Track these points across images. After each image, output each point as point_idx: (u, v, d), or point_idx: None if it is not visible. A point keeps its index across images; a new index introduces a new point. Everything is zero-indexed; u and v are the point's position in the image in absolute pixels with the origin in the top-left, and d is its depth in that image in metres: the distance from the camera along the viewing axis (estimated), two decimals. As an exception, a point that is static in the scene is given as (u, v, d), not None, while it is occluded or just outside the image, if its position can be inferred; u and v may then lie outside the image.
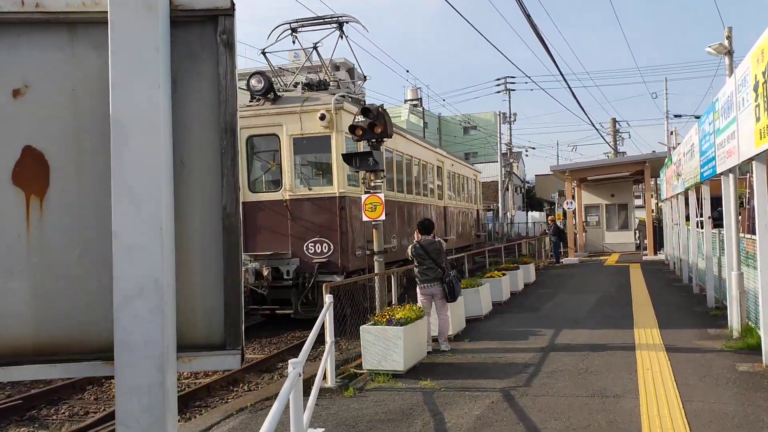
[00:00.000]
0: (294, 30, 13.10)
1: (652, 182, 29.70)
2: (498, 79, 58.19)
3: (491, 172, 59.52)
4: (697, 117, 46.60)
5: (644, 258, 24.51)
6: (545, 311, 12.12)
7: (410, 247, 8.67)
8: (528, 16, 14.82)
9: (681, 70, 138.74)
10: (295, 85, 13.67)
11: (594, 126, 38.27)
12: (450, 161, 20.94)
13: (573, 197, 27.02)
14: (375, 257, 8.92)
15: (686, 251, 16.29)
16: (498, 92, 57.76)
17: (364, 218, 8.77)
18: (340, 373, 7.53)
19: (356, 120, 8.64)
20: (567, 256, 26.07)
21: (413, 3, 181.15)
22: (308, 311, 11.11)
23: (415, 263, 8.67)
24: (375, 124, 8.50)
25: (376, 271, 8.83)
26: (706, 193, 11.86)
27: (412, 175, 16.15)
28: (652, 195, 29.58)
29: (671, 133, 48.39)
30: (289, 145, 11.76)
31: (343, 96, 12.10)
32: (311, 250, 11.57)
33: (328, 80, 13.64)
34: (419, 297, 8.64)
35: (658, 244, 26.20)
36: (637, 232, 33.12)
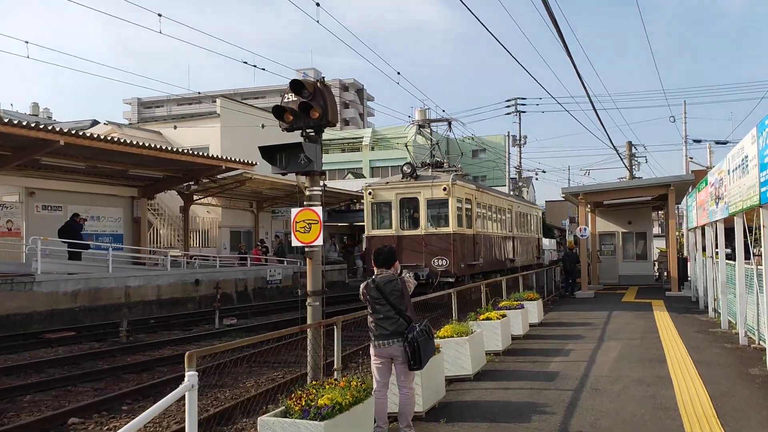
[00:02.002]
0: (421, 126, 22.48)
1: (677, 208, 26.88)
2: (508, 101, 55.75)
3: (499, 195, 56.81)
4: (720, 142, 43.86)
5: (667, 294, 21.65)
6: (554, 369, 9.33)
7: (362, 285, 6.00)
8: (561, 36, 12.33)
9: (701, 95, 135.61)
10: (422, 164, 21.27)
11: (614, 147, 35.73)
12: (517, 204, 28.06)
13: (587, 223, 24.22)
14: (308, 300, 6.23)
15: (725, 291, 13.51)
16: (508, 114, 55.31)
17: (294, 242, 6.14)
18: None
19: (285, 100, 6.05)
20: (579, 289, 23.25)
21: (422, 28, 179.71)
22: (434, 289, 16.46)
23: (368, 310, 5.99)
24: (310, 105, 5.90)
25: (309, 320, 6.14)
26: (766, 218, 9.12)
27: (492, 217, 23.10)
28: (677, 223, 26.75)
29: (690, 158, 45.64)
30: (425, 204, 18.75)
31: (456, 174, 19.79)
32: (436, 263, 18.21)
33: (442, 161, 22.03)
34: (372, 359, 5.93)
35: (682, 278, 23.36)
36: (656, 263, 30.31)
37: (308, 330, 5.74)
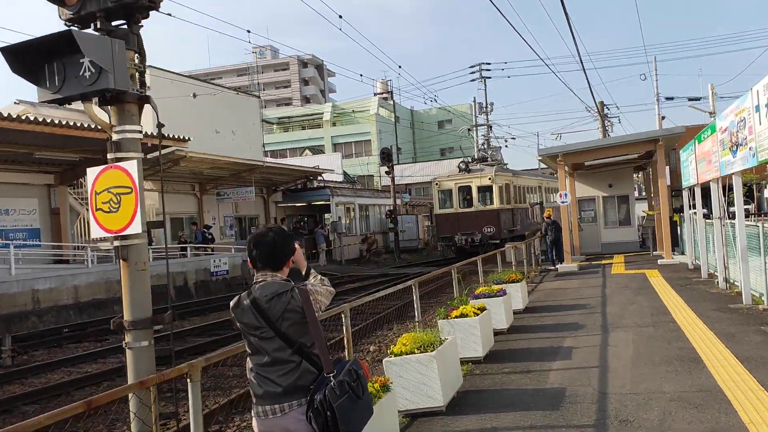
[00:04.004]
0: (469, 130, 43.00)
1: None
2: (472, 66, 53.11)
3: (468, 166, 54.51)
4: (693, 99, 41.76)
5: (660, 262, 19.37)
6: (555, 383, 6.79)
7: (231, 303, 3.31)
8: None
9: (669, 51, 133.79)
10: (472, 159, 31.20)
11: (597, 105, 34.28)
12: (546, 181, 37.65)
13: (566, 188, 21.80)
14: (126, 339, 3.54)
15: (746, 258, 11.12)
16: (473, 80, 52.66)
17: (96, 231, 3.47)
18: None
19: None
20: (562, 261, 20.91)
21: (387, 6, 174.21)
22: (484, 249, 23.43)
23: (247, 348, 3.31)
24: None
25: (129, 376, 3.43)
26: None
27: (526, 194, 31.49)
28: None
29: (663, 118, 43.66)
30: (476, 189, 27.20)
31: (498, 166, 29.14)
32: (485, 230, 26.28)
33: (486, 156, 32.29)
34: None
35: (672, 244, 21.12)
36: (640, 228, 28.11)
37: (130, 395, 3.07)
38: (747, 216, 12.55)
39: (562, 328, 10.03)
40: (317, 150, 56.00)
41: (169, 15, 13.06)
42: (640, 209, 32.80)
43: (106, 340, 13.72)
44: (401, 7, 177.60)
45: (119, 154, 3.64)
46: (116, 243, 3.55)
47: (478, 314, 8.26)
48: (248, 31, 14.95)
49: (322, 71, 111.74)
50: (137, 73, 3.55)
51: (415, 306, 7.50)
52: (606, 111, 44.74)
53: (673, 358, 7.45)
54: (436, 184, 28.55)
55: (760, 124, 8.95)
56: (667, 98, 58.31)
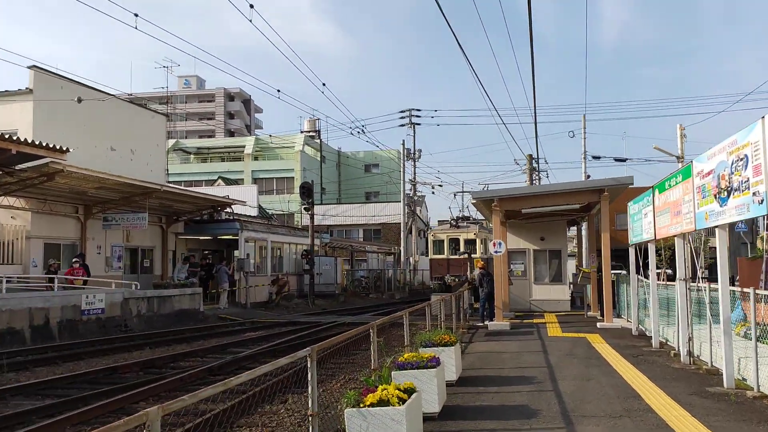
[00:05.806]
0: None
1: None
2: (402, 111, 51.68)
3: (393, 210, 52.60)
4: (620, 159, 41.57)
5: (599, 325, 17.42)
6: None
7: None
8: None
9: (596, 112, 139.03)
10: (457, 218, 38.35)
11: (532, 157, 33.74)
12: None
13: (501, 237, 19.74)
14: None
15: (729, 331, 9.04)
16: (402, 125, 51.13)
17: None
18: None
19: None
20: (492, 318, 18.70)
21: (315, 51, 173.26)
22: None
23: None
24: None
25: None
26: None
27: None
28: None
29: (588, 177, 43.28)
30: (463, 241, 35.37)
31: (479, 225, 37.81)
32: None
33: (469, 216, 40.17)
34: None
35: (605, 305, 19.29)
36: (572, 285, 26.41)
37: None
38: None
39: (509, 415, 7.54)
40: (232, 181, 52.58)
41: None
42: (570, 266, 31.41)
43: None
44: (329, 50, 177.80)
45: None
46: None
47: (404, 399, 5.66)
48: (136, 15, 12.14)
49: (249, 106, 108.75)
50: None
51: (310, 391, 4.80)
52: (534, 165, 43.88)
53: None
54: (432, 235, 37.15)
55: (781, 159, 6.93)
56: (594, 157, 58.52)
